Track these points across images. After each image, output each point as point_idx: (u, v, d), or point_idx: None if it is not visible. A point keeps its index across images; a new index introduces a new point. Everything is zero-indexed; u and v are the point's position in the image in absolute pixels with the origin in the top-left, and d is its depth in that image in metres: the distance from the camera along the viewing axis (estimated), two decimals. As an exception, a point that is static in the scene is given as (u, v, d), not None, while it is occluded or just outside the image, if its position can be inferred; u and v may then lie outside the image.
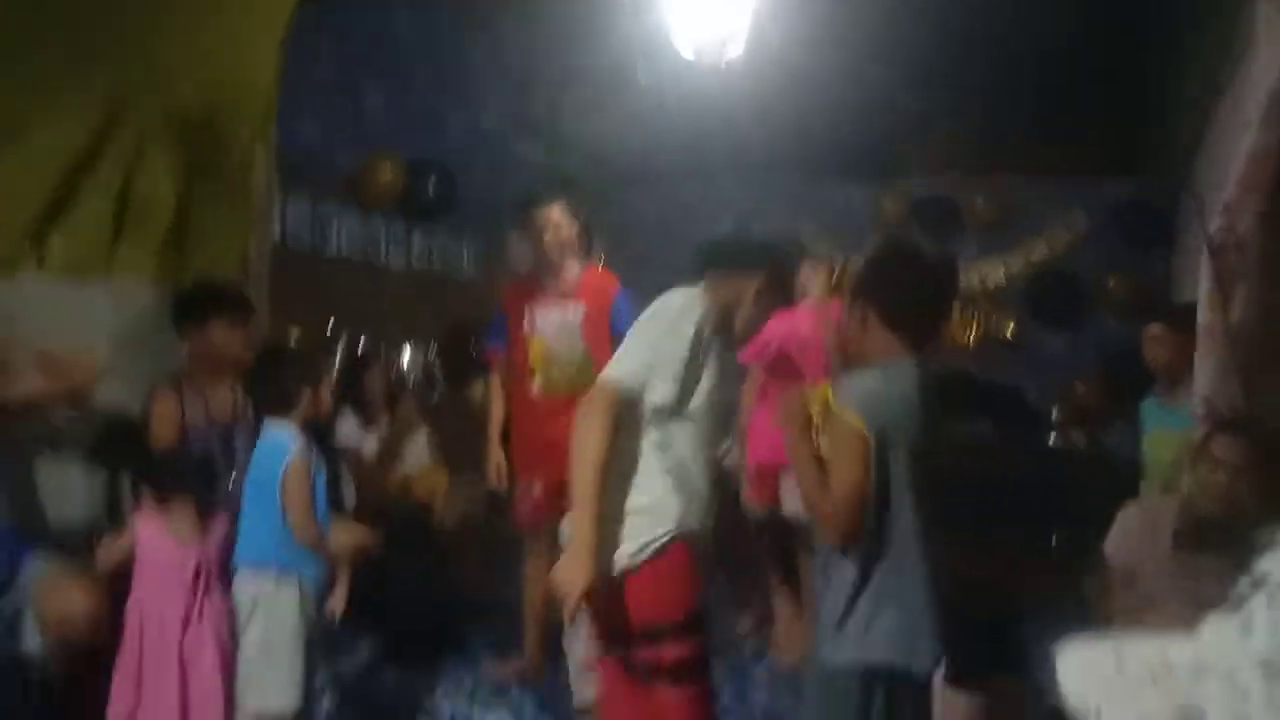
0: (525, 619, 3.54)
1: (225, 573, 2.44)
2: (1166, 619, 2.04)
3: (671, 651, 2.00)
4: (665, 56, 3.91)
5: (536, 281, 3.41)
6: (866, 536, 1.82)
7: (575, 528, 1.97)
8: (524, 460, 3.46)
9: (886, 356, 1.89)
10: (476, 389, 5.40)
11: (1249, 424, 2.31)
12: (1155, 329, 3.12)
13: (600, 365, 3.10)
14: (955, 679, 2.50)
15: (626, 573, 2.02)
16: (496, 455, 3.60)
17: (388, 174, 4.79)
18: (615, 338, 3.05)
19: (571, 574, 1.92)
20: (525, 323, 3.34)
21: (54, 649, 2.31)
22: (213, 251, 3.54)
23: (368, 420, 4.18)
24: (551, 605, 3.31)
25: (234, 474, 2.66)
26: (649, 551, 2.02)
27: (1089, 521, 3.37)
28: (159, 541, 2.37)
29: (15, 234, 2.93)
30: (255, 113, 3.65)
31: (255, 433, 2.58)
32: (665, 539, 2.03)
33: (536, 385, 3.32)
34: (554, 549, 3.36)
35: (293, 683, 2.37)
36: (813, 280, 3.64)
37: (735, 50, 3.75)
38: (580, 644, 2.99)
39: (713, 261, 2.27)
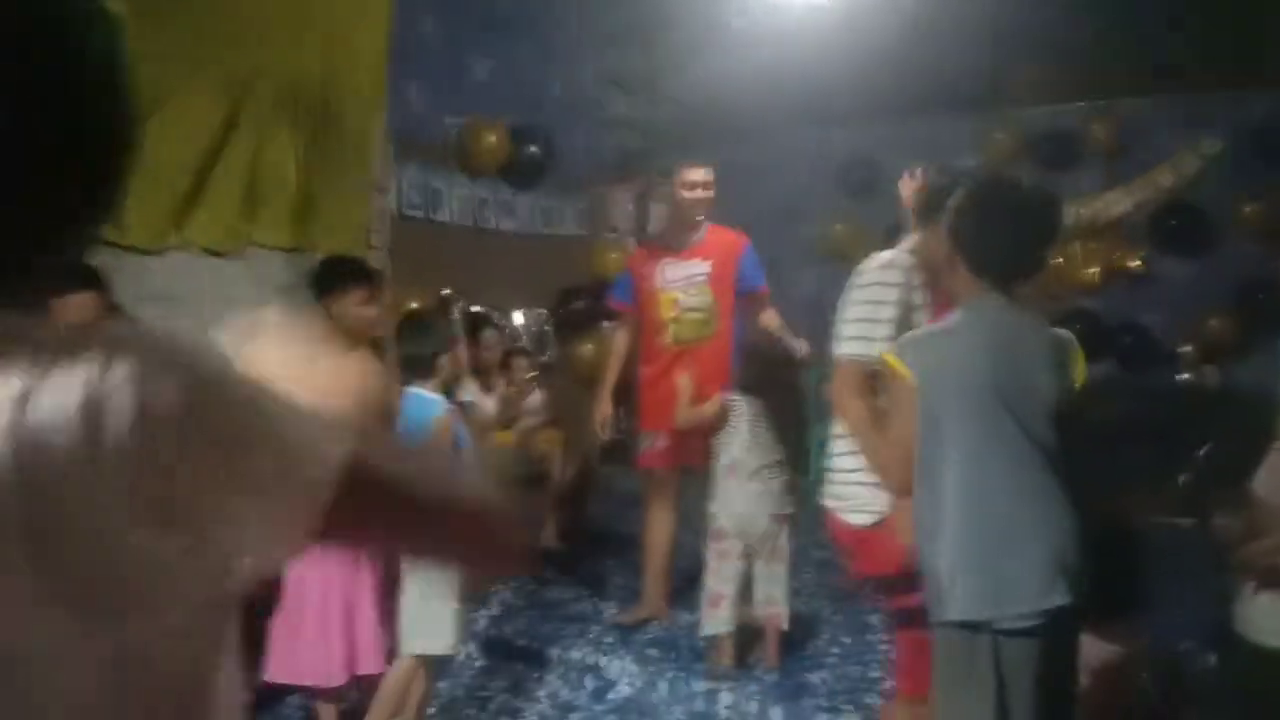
0: (648, 563, 3.68)
1: None
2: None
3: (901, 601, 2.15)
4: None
5: (665, 240, 3.70)
6: (924, 490, 1.86)
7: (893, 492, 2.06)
8: (650, 411, 3.62)
9: (971, 298, 1.89)
10: (586, 348, 5.53)
11: None
12: None
13: (726, 315, 3.60)
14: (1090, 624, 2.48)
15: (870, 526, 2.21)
16: (606, 407, 3.78)
17: (492, 139, 4.89)
18: (741, 290, 3.60)
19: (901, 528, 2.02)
20: (656, 278, 3.55)
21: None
22: (336, 222, 3.73)
23: (485, 382, 4.35)
24: (672, 548, 3.57)
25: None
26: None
27: (1224, 461, 3.25)
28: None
29: (161, 213, 3.16)
30: (367, 85, 3.80)
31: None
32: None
33: (669, 336, 3.55)
34: (675, 496, 3.60)
35: (452, 629, 2.52)
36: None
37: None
38: (712, 579, 3.17)
39: (923, 214, 2.26)
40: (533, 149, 5.13)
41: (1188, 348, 5.60)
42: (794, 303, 6.28)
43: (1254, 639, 2.03)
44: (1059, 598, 1.75)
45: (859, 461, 2.22)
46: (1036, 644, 1.76)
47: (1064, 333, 1.94)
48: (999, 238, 1.87)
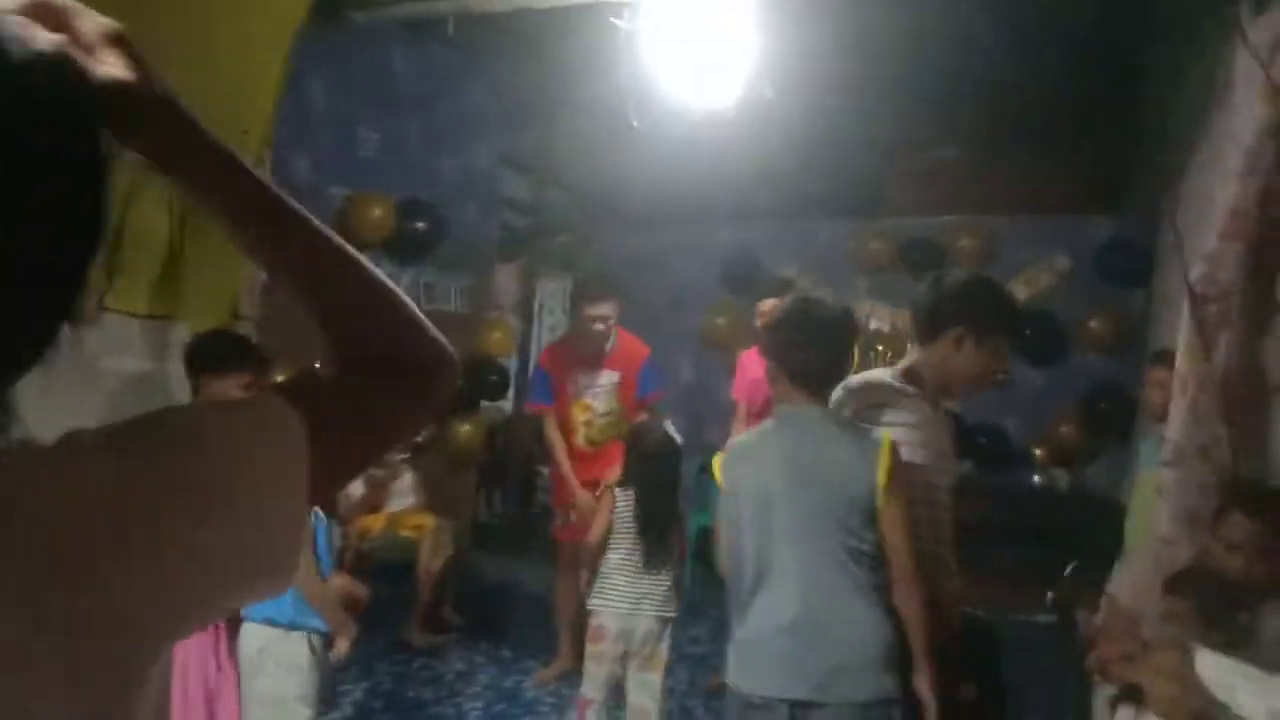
0: (561, 619, 3.99)
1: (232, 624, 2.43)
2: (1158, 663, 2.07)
3: None
4: (656, 99, 3.96)
5: (574, 349, 4.06)
6: (729, 577, 2.14)
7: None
8: (563, 492, 4.04)
9: (791, 405, 2.14)
10: (463, 428, 5.40)
11: (1261, 498, 2.32)
12: (1159, 373, 3.17)
13: (631, 417, 3.97)
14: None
15: None
16: (583, 495, 3.90)
17: (378, 213, 4.80)
18: (640, 394, 4.01)
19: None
20: (570, 386, 3.98)
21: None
22: (206, 288, 3.54)
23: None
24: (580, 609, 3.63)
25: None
26: None
27: (1079, 560, 3.42)
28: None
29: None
30: (250, 148, 3.66)
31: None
32: None
33: (581, 438, 4.02)
34: (580, 566, 3.76)
35: None
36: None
37: (725, 96, 3.80)
38: (586, 684, 3.12)
39: (925, 331, 2.31)
40: (419, 224, 5.06)
41: (1039, 450, 5.94)
42: (676, 389, 6.38)
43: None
44: (842, 688, 1.93)
45: None
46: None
47: (874, 434, 2.09)
48: (803, 350, 2.10)
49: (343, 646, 2.55)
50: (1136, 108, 5.68)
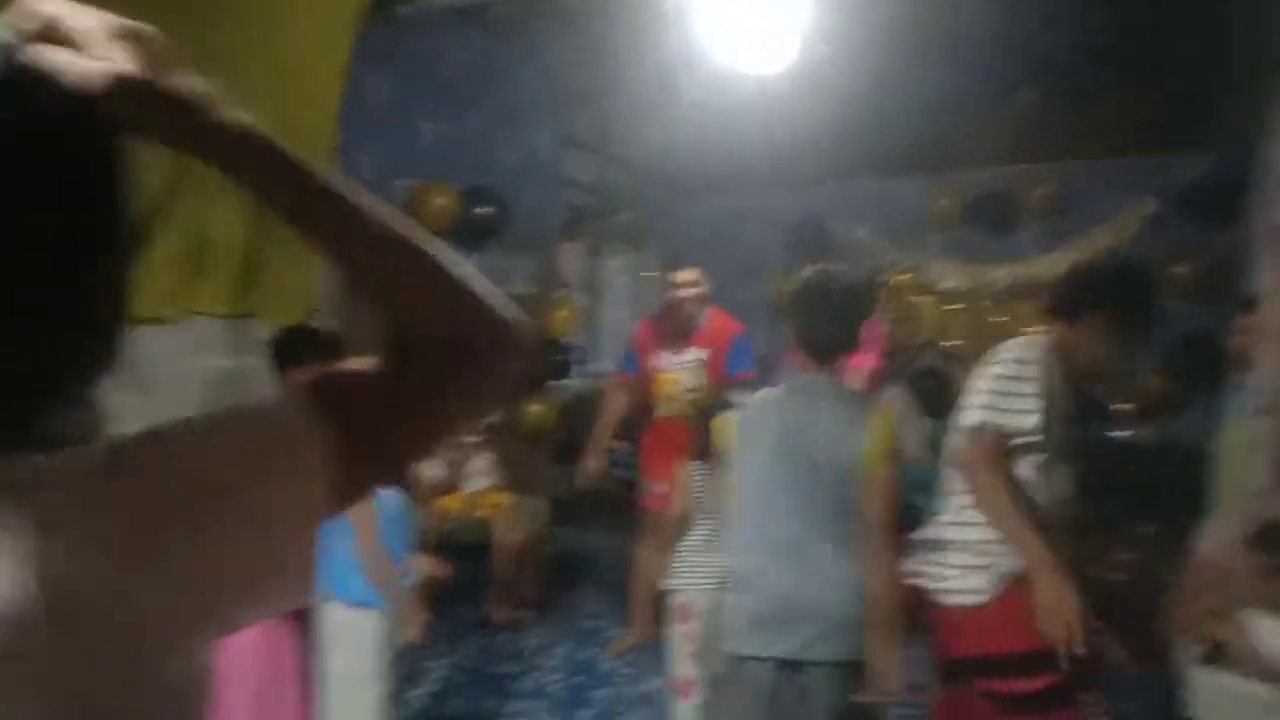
0: (637, 590, 3.98)
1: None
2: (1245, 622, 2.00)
3: (1039, 681, 2.04)
4: (709, 68, 3.93)
5: (668, 324, 4.11)
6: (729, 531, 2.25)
7: (1036, 564, 2.00)
8: (651, 463, 4.06)
9: (802, 373, 2.25)
10: (535, 408, 5.49)
11: None
12: (1250, 320, 3.03)
13: (715, 396, 3.86)
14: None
15: (980, 606, 2.12)
16: (602, 459, 4.15)
17: (442, 201, 4.89)
18: (730, 374, 4.01)
19: (1063, 601, 1.96)
20: (658, 359, 4.07)
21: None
22: (285, 288, 3.66)
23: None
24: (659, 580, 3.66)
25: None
26: (1003, 584, 2.10)
27: (1165, 516, 3.30)
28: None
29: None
30: (318, 148, 3.76)
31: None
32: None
33: (668, 410, 4.04)
34: (668, 537, 3.71)
35: (374, 711, 2.44)
36: None
37: (780, 61, 3.74)
38: (679, 665, 3.04)
39: (1065, 309, 2.26)
40: (483, 210, 5.14)
41: (1127, 405, 5.73)
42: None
43: (1194, 716, 2.05)
44: (826, 649, 2.04)
45: (968, 537, 2.17)
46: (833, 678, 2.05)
47: (876, 406, 2.25)
48: (814, 323, 2.22)
49: (410, 633, 2.60)
50: (1225, 31, 5.36)
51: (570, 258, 6.61)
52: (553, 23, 5.52)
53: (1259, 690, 1.93)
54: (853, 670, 2.05)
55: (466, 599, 4.51)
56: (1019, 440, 2.11)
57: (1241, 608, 2.10)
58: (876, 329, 4.23)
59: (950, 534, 2.23)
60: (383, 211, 0.64)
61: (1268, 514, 2.28)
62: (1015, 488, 2.10)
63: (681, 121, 5.45)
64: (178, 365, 3.25)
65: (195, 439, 0.57)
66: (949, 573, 2.20)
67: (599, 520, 5.77)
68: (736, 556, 2.21)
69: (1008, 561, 2.10)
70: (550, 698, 3.57)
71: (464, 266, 0.67)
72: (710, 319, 4.07)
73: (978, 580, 2.14)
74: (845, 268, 2.33)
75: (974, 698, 2.15)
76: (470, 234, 5.19)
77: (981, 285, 6.15)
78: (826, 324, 2.21)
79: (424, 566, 3.41)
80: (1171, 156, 5.83)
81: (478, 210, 5.10)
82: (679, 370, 4.05)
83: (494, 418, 5.15)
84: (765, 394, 2.35)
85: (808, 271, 2.32)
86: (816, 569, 2.07)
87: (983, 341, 2.43)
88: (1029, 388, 2.12)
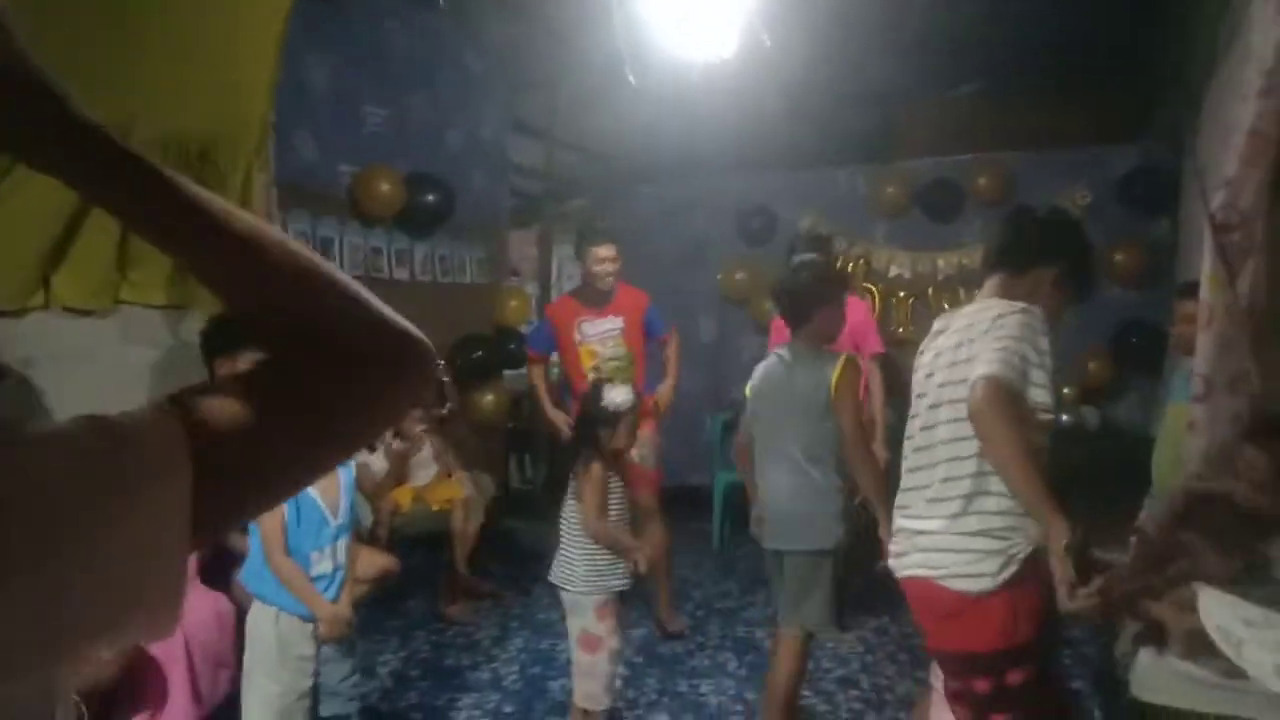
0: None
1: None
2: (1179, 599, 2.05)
3: (1016, 676, 1.93)
4: (656, 54, 3.90)
5: (582, 299, 4.22)
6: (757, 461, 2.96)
7: (1048, 511, 1.81)
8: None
9: (788, 344, 2.93)
10: (487, 398, 5.43)
11: (1275, 431, 2.27)
12: (1186, 305, 3.10)
13: (639, 361, 4.19)
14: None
15: (984, 594, 1.94)
16: (557, 416, 4.26)
17: (386, 187, 4.79)
18: (649, 338, 4.25)
19: (1069, 572, 1.76)
20: (575, 333, 4.17)
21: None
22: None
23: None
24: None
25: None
26: (1013, 569, 1.94)
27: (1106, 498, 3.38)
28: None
29: (22, 275, 2.95)
30: (251, 138, 3.65)
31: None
32: (1028, 551, 1.94)
33: (589, 380, 3.94)
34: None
35: (270, 709, 2.41)
36: None
37: (727, 48, 3.73)
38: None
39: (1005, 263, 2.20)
40: (429, 197, 5.04)
41: (1066, 389, 5.86)
42: (697, 346, 6.36)
43: (1135, 693, 2.10)
44: (804, 542, 2.78)
45: (980, 519, 1.99)
46: (799, 563, 2.80)
47: (835, 358, 2.77)
48: (780, 304, 2.98)
49: (323, 631, 2.49)
50: (1158, 31, 5.50)
51: (521, 246, 6.54)
52: (499, 7, 5.44)
53: (1196, 669, 1.98)
54: (814, 556, 2.76)
55: (419, 592, 4.45)
56: (1040, 415, 1.96)
57: (1179, 585, 2.16)
58: (860, 313, 4.19)
59: (959, 523, 2.03)
60: (248, 221, 0.60)
61: (1198, 490, 2.33)
62: (1027, 441, 1.89)
63: (629, 108, 5.42)
64: (109, 355, 3.14)
65: (48, 456, 0.50)
66: (950, 559, 2.02)
67: (553, 511, 5.73)
68: (760, 479, 2.92)
69: (1021, 546, 1.95)
70: (506, 690, 3.53)
71: (337, 274, 0.64)
72: (620, 292, 4.20)
73: (990, 565, 1.95)
74: (813, 258, 3.03)
75: (969, 690, 2.02)
76: (417, 221, 5.10)
77: (926, 272, 6.24)
78: (790, 304, 2.90)
79: (377, 562, 3.36)
80: (1108, 148, 5.96)
81: (423, 197, 5.00)
82: (598, 343, 4.16)
83: (447, 410, 5.08)
84: (763, 364, 2.98)
85: (792, 267, 2.98)
86: (795, 491, 2.78)
87: (928, 327, 2.44)
88: (1045, 360, 1.97)
